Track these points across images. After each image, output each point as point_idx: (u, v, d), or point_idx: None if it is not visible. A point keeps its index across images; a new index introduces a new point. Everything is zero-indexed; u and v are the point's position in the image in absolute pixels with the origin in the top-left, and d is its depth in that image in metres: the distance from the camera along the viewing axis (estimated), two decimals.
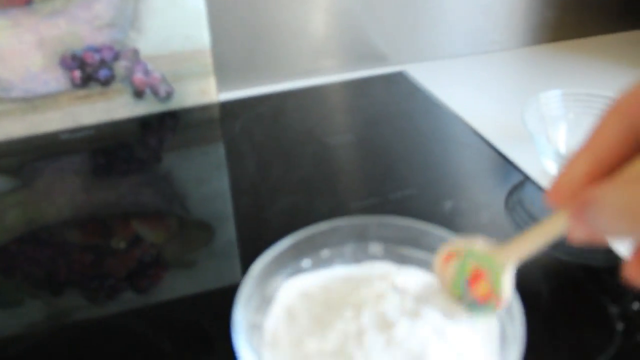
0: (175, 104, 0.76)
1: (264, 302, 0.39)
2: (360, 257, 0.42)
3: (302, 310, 0.38)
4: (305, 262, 0.41)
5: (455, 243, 0.36)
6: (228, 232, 0.56)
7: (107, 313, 0.47)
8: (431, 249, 0.39)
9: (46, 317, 0.47)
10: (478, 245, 0.34)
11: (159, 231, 0.57)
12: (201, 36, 0.74)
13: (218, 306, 0.46)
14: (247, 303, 0.37)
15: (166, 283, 0.50)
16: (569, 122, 0.64)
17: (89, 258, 0.53)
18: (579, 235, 0.25)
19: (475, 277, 0.34)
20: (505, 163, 0.64)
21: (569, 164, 0.25)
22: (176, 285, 0.50)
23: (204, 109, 0.77)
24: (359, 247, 0.42)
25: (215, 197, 0.61)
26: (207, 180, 0.64)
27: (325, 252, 0.41)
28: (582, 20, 0.94)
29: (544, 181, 0.60)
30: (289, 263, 0.41)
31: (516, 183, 0.60)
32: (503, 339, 0.36)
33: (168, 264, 0.52)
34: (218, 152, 0.71)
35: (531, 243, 0.31)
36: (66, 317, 0.47)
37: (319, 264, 0.41)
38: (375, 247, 0.42)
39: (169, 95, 0.75)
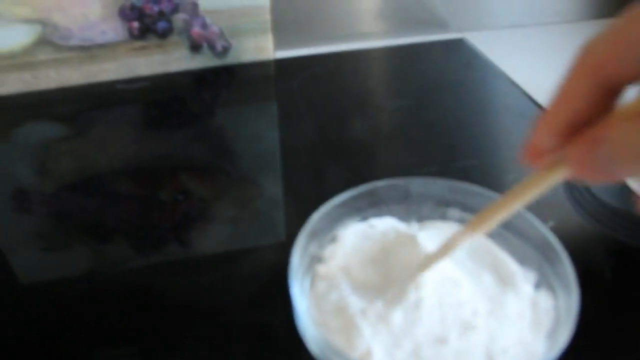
0: (232, 59, 0.75)
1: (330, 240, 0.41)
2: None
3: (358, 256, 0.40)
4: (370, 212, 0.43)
5: None
6: (275, 192, 0.55)
7: (152, 263, 0.47)
8: None
9: (93, 264, 0.47)
10: None
11: (207, 186, 0.56)
12: None
13: (259, 262, 0.45)
14: (306, 246, 0.38)
15: (210, 238, 0.49)
16: None
17: (136, 208, 0.53)
18: (589, 177, 0.23)
19: None
20: None
21: (541, 124, 0.24)
22: (220, 240, 0.49)
23: (260, 65, 0.75)
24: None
25: (266, 155, 0.59)
26: (259, 139, 0.62)
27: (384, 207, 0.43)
28: None
29: None
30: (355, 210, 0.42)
31: None
32: (557, 314, 0.35)
33: (214, 219, 0.51)
34: (271, 111, 0.69)
35: (504, 209, 0.31)
36: (113, 265, 0.47)
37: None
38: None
39: (225, 51, 0.74)
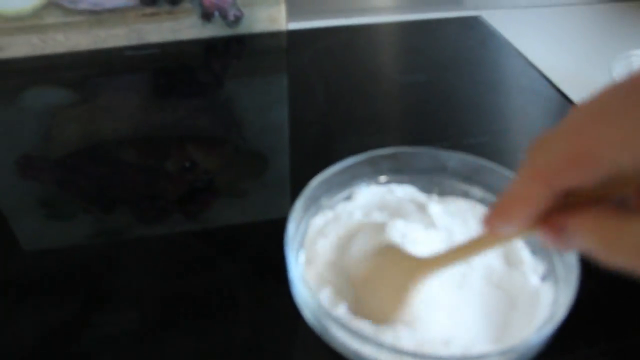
0: (243, 29, 0.73)
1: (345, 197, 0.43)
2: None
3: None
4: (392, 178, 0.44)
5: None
6: (282, 164, 0.54)
7: (156, 233, 0.46)
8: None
9: (97, 233, 0.46)
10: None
11: (214, 158, 0.55)
12: None
13: (264, 235, 0.45)
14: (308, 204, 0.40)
15: (215, 210, 0.49)
16: None
17: (142, 178, 0.52)
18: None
19: None
20: None
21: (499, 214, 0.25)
22: (225, 213, 0.48)
23: (272, 36, 0.74)
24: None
25: (274, 128, 0.58)
26: (268, 111, 0.61)
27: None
28: None
29: None
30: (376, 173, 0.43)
31: None
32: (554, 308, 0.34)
33: (219, 191, 0.51)
34: (282, 83, 0.68)
35: (452, 259, 0.32)
36: (116, 234, 0.46)
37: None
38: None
39: (237, 20, 0.72)
